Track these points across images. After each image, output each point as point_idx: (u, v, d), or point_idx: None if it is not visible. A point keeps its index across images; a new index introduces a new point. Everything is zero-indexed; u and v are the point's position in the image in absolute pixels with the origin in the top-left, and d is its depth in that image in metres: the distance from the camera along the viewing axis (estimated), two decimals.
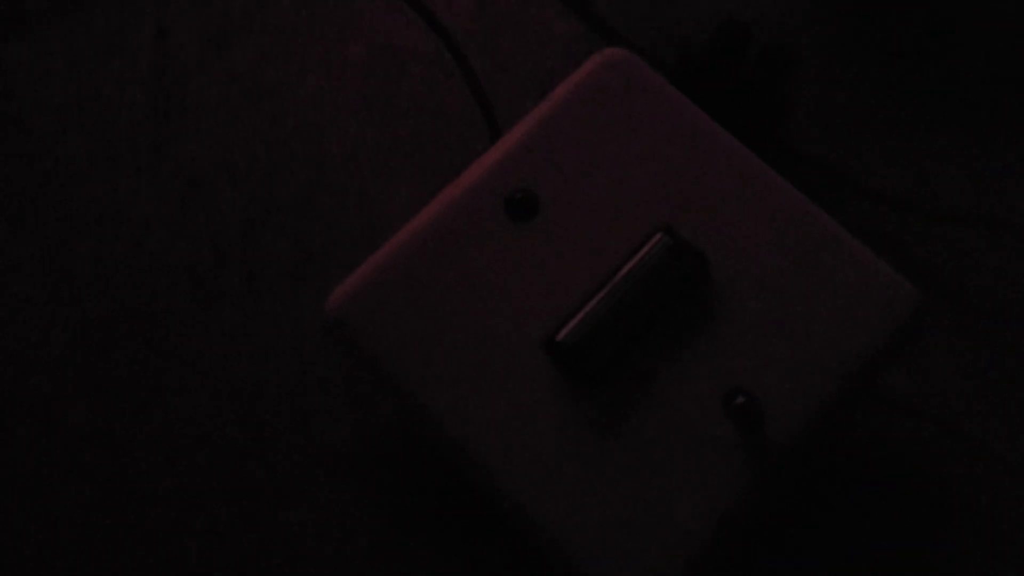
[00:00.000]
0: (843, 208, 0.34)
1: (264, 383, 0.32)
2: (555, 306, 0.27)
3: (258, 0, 0.38)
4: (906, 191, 0.34)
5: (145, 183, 0.34)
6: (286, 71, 0.36)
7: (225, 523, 0.30)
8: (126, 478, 0.30)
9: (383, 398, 0.31)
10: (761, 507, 0.25)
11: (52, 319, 0.32)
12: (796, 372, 0.26)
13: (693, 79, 0.33)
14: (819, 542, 0.29)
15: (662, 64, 0.36)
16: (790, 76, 0.35)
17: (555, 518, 0.25)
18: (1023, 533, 0.29)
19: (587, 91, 0.29)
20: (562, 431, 0.26)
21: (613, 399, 0.26)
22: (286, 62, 0.37)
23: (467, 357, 0.26)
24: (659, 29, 0.37)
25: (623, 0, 0.38)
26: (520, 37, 0.37)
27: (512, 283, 0.27)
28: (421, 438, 0.30)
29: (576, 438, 0.25)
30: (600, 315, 0.26)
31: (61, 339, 0.32)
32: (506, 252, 0.27)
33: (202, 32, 0.37)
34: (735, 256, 0.27)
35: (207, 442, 0.31)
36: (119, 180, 0.34)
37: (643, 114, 0.29)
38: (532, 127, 0.28)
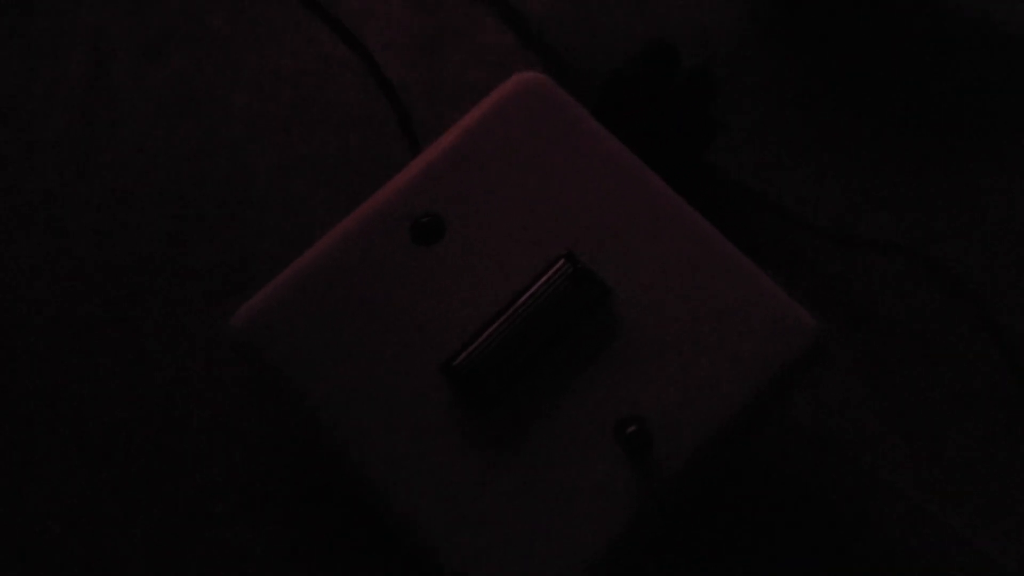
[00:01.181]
0: (763, 232, 0.34)
1: (177, 392, 0.32)
2: (456, 330, 0.27)
3: (194, 11, 0.38)
4: (828, 218, 0.35)
5: (71, 190, 0.35)
6: (218, 82, 0.37)
7: (129, 539, 0.30)
8: (34, 484, 0.31)
9: (286, 414, 0.31)
10: (650, 531, 0.26)
11: None
12: (689, 400, 0.26)
13: (621, 99, 0.34)
14: (714, 564, 0.30)
15: (592, 83, 0.36)
16: (716, 100, 0.35)
17: (445, 538, 0.25)
18: (920, 561, 0.30)
19: (499, 115, 0.29)
20: (456, 453, 0.26)
21: (508, 423, 0.26)
22: (219, 73, 0.37)
23: (368, 378, 0.27)
24: (593, 48, 0.37)
25: (559, 19, 0.38)
26: (455, 53, 0.37)
27: (414, 306, 0.27)
28: (324, 455, 0.31)
29: (470, 460, 0.26)
30: (497, 340, 0.26)
31: None
32: (410, 275, 0.27)
33: (136, 41, 0.37)
34: (637, 283, 0.27)
35: (114, 447, 0.31)
36: (46, 186, 0.35)
37: (554, 139, 0.29)
38: (443, 150, 0.29)
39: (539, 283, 0.27)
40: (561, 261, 0.27)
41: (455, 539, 0.25)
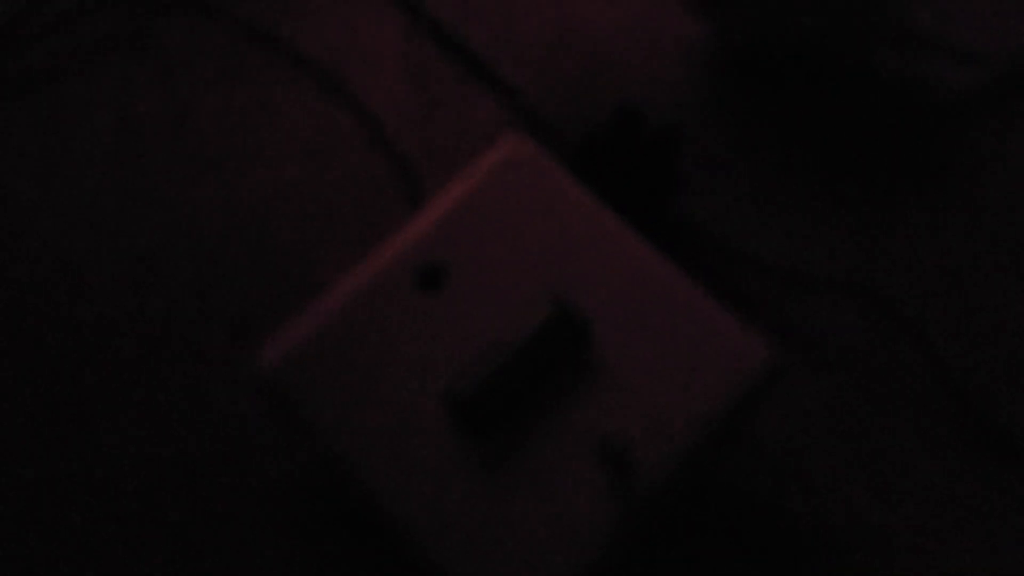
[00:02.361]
0: (725, 273, 0.38)
1: (201, 429, 0.35)
2: (457, 365, 0.31)
3: (215, 80, 0.42)
4: (781, 259, 0.39)
5: (105, 246, 0.38)
6: (238, 146, 0.41)
7: (162, 562, 0.33)
8: (66, 515, 0.34)
9: (303, 442, 0.34)
10: (630, 541, 0.29)
11: (16, 369, 0.36)
12: (663, 422, 0.30)
13: (595, 157, 0.38)
14: (685, 572, 0.33)
15: (570, 143, 0.41)
16: (680, 154, 0.39)
17: (449, 552, 0.28)
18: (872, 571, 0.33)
19: (490, 174, 0.33)
20: (459, 476, 0.29)
21: (503, 448, 0.30)
22: (239, 137, 0.41)
23: (379, 409, 0.30)
24: (570, 113, 0.42)
25: (540, 88, 0.42)
26: (448, 118, 0.42)
27: (420, 346, 0.31)
28: (337, 480, 0.34)
29: (471, 482, 0.29)
30: (492, 374, 0.30)
31: (21, 386, 0.36)
32: (417, 318, 0.31)
33: (163, 111, 0.41)
34: (614, 322, 0.31)
35: (146, 484, 0.34)
36: (82, 242, 0.38)
37: (539, 196, 0.33)
38: (442, 207, 0.33)
39: (530, 324, 0.31)
40: (549, 304, 0.31)
41: (458, 553, 0.28)
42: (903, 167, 0.41)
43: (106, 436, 0.35)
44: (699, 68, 0.43)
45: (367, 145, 0.41)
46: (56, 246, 0.38)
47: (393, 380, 0.30)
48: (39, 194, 0.39)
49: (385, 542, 0.33)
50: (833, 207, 0.40)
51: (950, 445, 0.35)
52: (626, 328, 0.31)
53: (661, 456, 0.29)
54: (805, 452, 0.35)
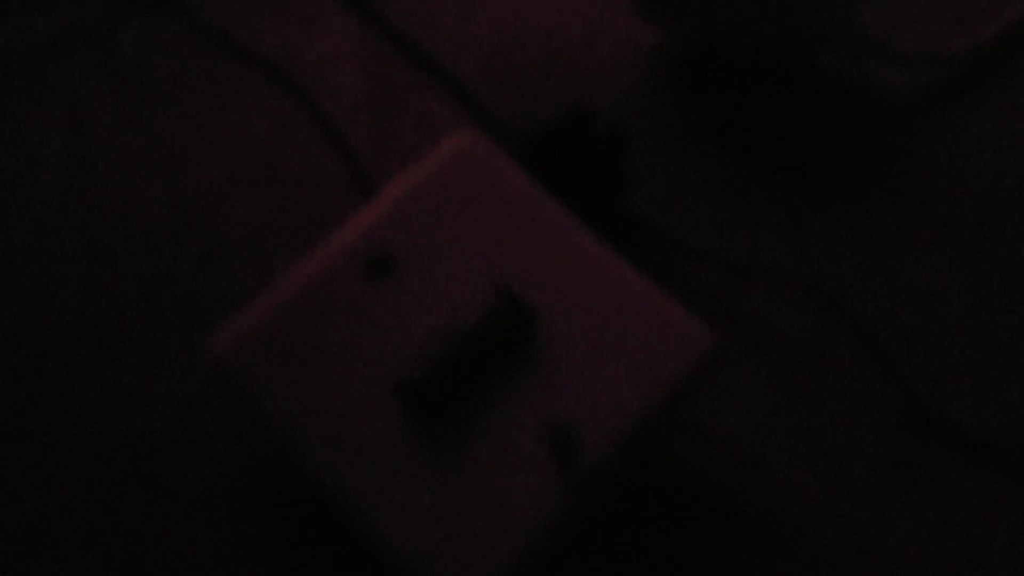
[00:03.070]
0: (672, 266, 0.39)
1: (150, 415, 0.35)
2: (406, 353, 0.31)
3: (169, 76, 0.42)
4: (724, 250, 0.40)
5: (54, 246, 0.38)
6: (192, 142, 0.41)
7: (114, 563, 0.33)
8: (10, 501, 0.34)
9: (258, 432, 0.35)
10: (573, 521, 0.30)
11: None
12: (606, 405, 0.31)
13: (546, 155, 0.39)
14: (627, 557, 0.34)
15: (521, 140, 0.41)
16: (628, 152, 0.40)
17: (394, 529, 0.29)
18: (817, 553, 0.34)
19: (441, 166, 0.34)
20: (409, 459, 0.30)
21: (452, 432, 0.30)
22: (193, 133, 0.41)
23: (330, 397, 0.31)
24: (526, 114, 0.43)
25: (491, 83, 0.43)
26: (402, 116, 0.42)
27: (370, 333, 0.31)
28: (289, 466, 0.35)
29: (417, 463, 0.30)
30: (439, 361, 0.30)
31: None
32: (366, 306, 0.32)
33: (115, 110, 0.41)
34: (558, 308, 0.32)
35: (98, 483, 0.35)
36: (29, 244, 0.38)
37: (488, 188, 0.34)
38: (391, 197, 0.33)
39: (476, 311, 0.31)
40: (495, 292, 0.32)
41: (408, 532, 0.29)
42: (843, 165, 0.42)
43: (58, 427, 0.35)
44: (649, 70, 0.44)
45: (320, 141, 0.41)
46: (5, 244, 0.38)
47: (343, 366, 0.31)
48: None
49: (337, 526, 0.34)
50: (775, 202, 0.41)
51: (888, 427, 0.36)
52: (572, 315, 0.32)
53: (604, 438, 0.30)
54: (751, 437, 0.36)
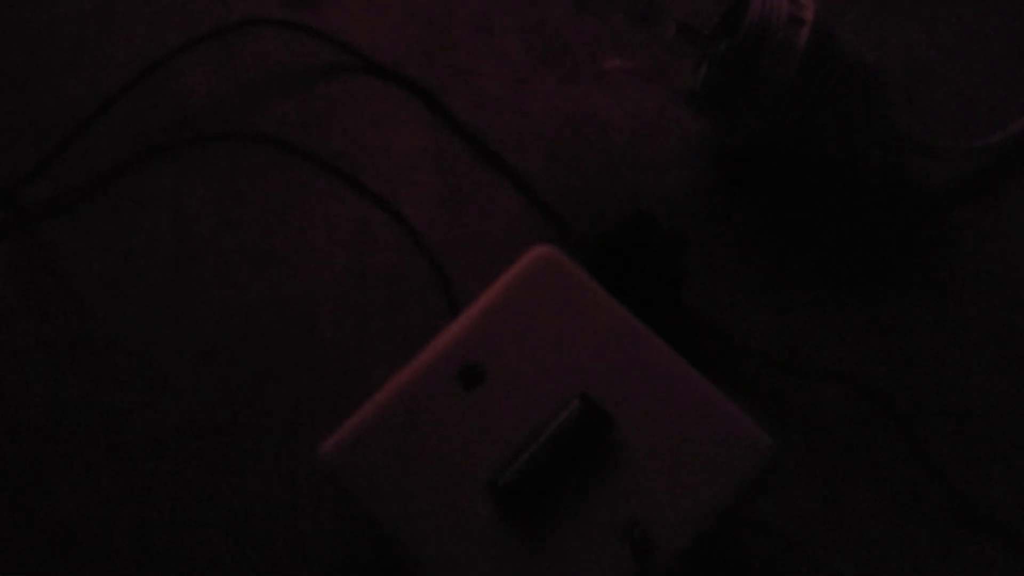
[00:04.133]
0: (728, 362, 0.43)
1: (261, 514, 0.39)
2: (497, 454, 0.35)
3: (261, 182, 0.46)
4: (780, 350, 0.43)
5: (169, 342, 0.42)
6: (283, 244, 0.45)
7: None
8: None
9: (361, 525, 0.38)
10: None
11: (94, 451, 0.40)
12: (679, 507, 0.34)
13: (611, 258, 0.42)
14: None
15: (586, 238, 0.45)
16: (685, 255, 0.44)
17: None
18: None
19: (521, 282, 0.37)
20: (499, 554, 0.33)
21: (539, 528, 0.34)
22: (283, 236, 0.45)
23: (428, 495, 0.34)
24: (587, 207, 0.46)
25: (559, 182, 0.46)
26: (475, 213, 0.46)
27: (464, 437, 0.35)
28: (391, 560, 0.38)
29: (510, 560, 0.33)
30: (529, 463, 0.34)
31: (99, 467, 0.39)
32: (460, 412, 0.35)
33: (213, 211, 0.45)
34: (633, 414, 0.35)
35: (210, 561, 0.38)
36: (149, 338, 0.42)
37: (564, 300, 0.37)
38: (479, 311, 0.37)
39: (560, 418, 0.35)
40: (576, 400, 0.35)
41: None
42: (890, 259, 0.45)
43: (171, 521, 0.39)
44: (702, 163, 0.47)
45: (398, 240, 0.45)
46: (126, 342, 0.42)
47: (440, 468, 0.34)
48: (109, 294, 0.43)
49: None
50: (822, 299, 0.44)
51: (933, 521, 0.39)
52: (644, 420, 0.35)
53: (677, 537, 0.33)
54: (804, 530, 0.39)
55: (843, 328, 0.43)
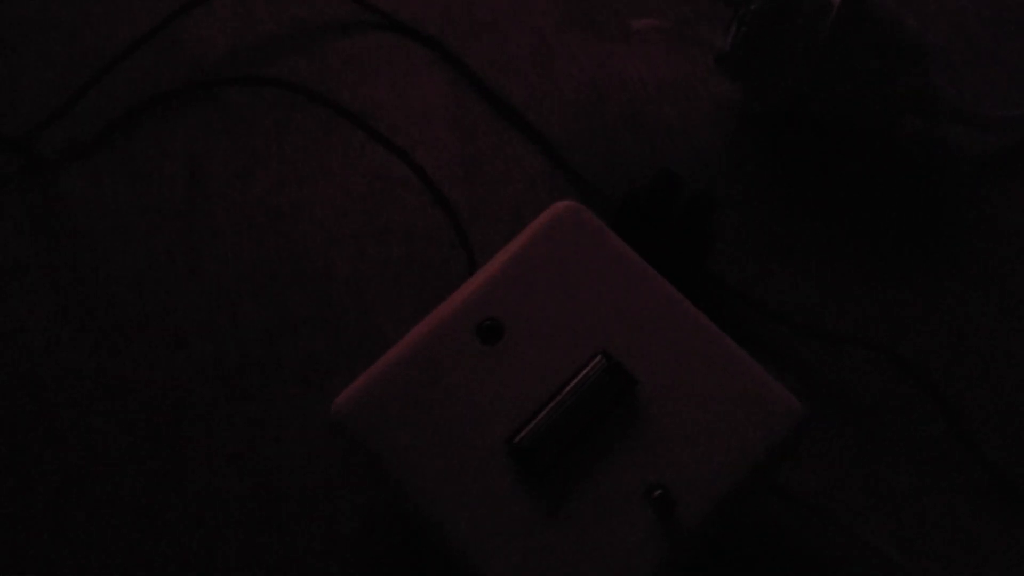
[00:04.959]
0: (756, 327, 0.41)
1: (277, 467, 0.38)
2: (515, 413, 0.34)
3: (277, 134, 0.45)
4: (806, 315, 0.42)
5: (182, 296, 0.41)
6: (299, 197, 0.44)
7: None
8: (154, 541, 0.37)
9: (376, 483, 0.37)
10: None
11: (109, 408, 0.39)
12: (702, 470, 0.33)
13: (635, 218, 0.41)
14: None
15: (610, 200, 0.44)
16: (713, 217, 0.42)
17: None
18: None
19: (543, 236, 0.36)
20: (518, 513, 0.32)
21: (558, 489, 0.33)
22: (299, 189, 0.44)
23: (445, 452, 0.33)
24: (609, 169, 0.45)
25: (578, 144, 0.45)
26: (495, 172, 0.45)
27: (482, 393, 0.34)
28: (405, 517, 0.37)
29: (528, 519, 0.32)
30: (549, 422, 0.33)
31: (113, 427, 0.39)
32: (477, 368, 0.34)
33: (228, 164, 0.44)
34: (657, 374, 0.34)
35: (227, 514, 0.37)
36: (161, 293, 0.41)
37: (587, 256, 0.36)
38: (499, 266, 0.36)
39: (581, 375, 0.34)
40: (598, 357, 0.34)
41: None
42: (923, 227, 0.44)
43: (189, 469, 0.38)
44: (730, 127, 0.46)
45: (417, 196, 0.44)
46: (139, 294, 0.41)
47: (456, 424, 0.33)
48: (121, 244, 0.42)
49: (450, 571, 0.36)
50: (853, 265, 0.43)
51: (966, 492, 0.38)
52: (669, 381, 0.34)
53: (701, 500, 0.32)
54: (830, 497, 0.38)
55: (874, 298, 0.42)
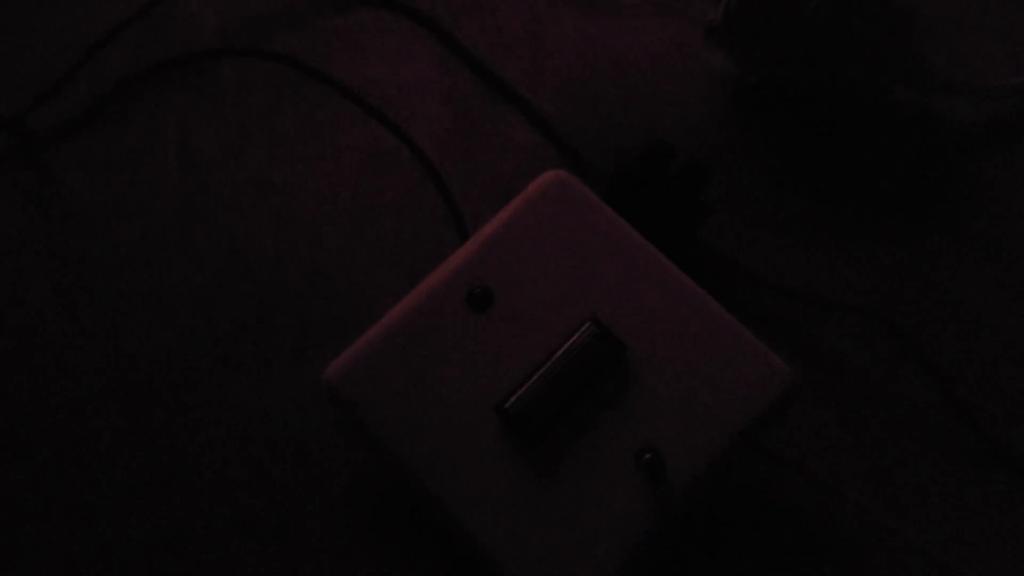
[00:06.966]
0: (746, 295, 0.41)
1: (269, 433, 0.38)
2: (505, 379, 0.34)
3: (269, 110, 0.45)
4: (796, 282, 0.42)
5: (176, 270, 0.41)
6: (291, 172, 0.44)
7: (236, 555, 0.37)
8: (152, 509, 0.37)
9: (368, 449, 0.38)
10: (664, 541, 0.32)
11: (106, 378, 0.39)
12: (692, 434, 0.33)
13: (627, 188, 0.41)
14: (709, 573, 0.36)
15: (603, 173, 0.44)
16: (705, 186, 0.42)
17: (501, 546, 0.31)
18: (882, 569, 0.36)
19: (533, 205, 0.36)
20: (508, 478, 0.32)
21: (549, 454, 0.33)
22: (291, 164, 0.44)
23: (435, 419, 0.33)
24: (600, 142, 0.45)
25: (571, 118, 0.45)
26: (487, 147, 0.45)
27: (472, 360, 0.34)
28: (397, 482, 0.37)
29: (518, 484, 0.32)
30: (539, 387, 0.33)
31: (108, 401, 0.39)
32: (468, 336, 0.34)
33: (220, 142, 0.44)
34: (646, 340, 0.34)
35: (222, 481, 0.38)
36: (156, 267, 0.41)
37: (577, 225, 0.36)
38: (489, 235, 0.36)
39: (570, 342, 0.34)
40: (587, 324, 0.34)
41: (510, 546, 0.31)
42: (914, 195, 0.44)
43: (184, 438, 0.38)
44: (723, 99, 0.46)
45: (408, 170, 0.44)
46: (132, 268, 0.42)
47: (447, 391, 0.34)
48: (114, 219, 0.42)
49: (443, 539, 0.36)
50: (845, 233, 0.43)
51: (955, 458, 0.38)
52: (658, 347, 0.34)
53: (690, 463, 0.32)
54: (819, 461, 0.38)
55: (866, 266, 0.42)
